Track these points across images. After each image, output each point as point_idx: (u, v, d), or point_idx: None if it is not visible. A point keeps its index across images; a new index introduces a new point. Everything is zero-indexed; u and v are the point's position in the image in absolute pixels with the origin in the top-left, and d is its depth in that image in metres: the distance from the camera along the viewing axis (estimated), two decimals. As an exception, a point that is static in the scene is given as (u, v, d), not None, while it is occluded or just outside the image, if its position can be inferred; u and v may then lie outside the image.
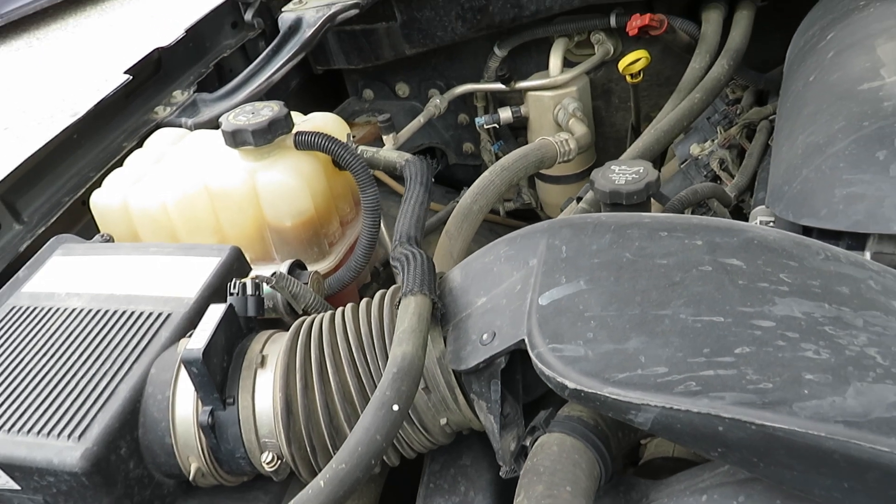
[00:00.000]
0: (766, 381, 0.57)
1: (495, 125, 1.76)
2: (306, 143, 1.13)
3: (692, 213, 1.22)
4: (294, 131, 1.15)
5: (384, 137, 1.59)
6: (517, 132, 1.90)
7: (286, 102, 2.09)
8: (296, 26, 1.64)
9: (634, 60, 1.48)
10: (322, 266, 1.21)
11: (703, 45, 1.46)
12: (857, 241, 0.83)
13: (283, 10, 1.71)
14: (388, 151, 1.18)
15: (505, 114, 1.74)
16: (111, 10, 8.35)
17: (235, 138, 1.11)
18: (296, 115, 1.29)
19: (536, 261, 0.79)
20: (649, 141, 1.30)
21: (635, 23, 1.46)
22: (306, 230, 1.17)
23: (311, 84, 2.12)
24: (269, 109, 1.14)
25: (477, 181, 1.31)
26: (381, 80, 2.03)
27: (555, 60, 1.67)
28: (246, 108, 1.15)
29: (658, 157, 1.50)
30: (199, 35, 1.70)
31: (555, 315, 0.70)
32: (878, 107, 0.85)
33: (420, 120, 1.68)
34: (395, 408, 0.67)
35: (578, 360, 0.65)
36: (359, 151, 1.19)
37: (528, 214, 1.98)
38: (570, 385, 0.63)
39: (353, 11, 1.62)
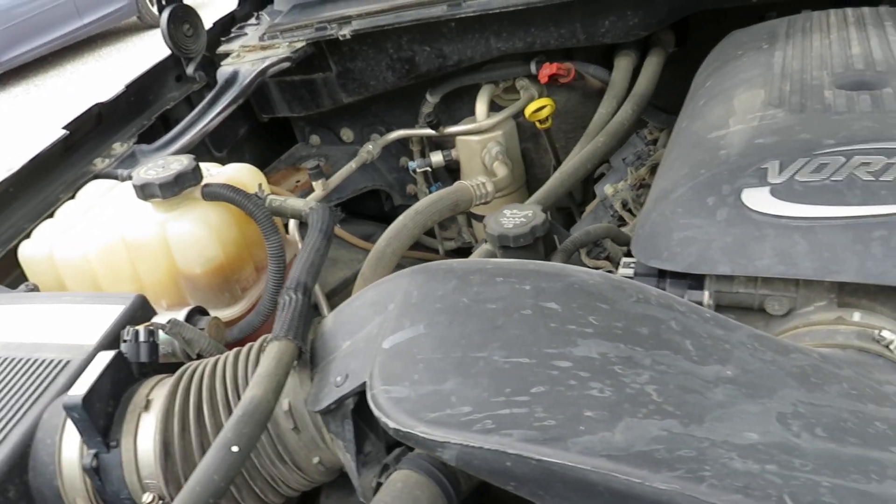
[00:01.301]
0: (551, 419, 0.61)
1: (428, 168, 1.83)
2: (212, 194, 1.19)
3: (587, 253, 1.28)
4: (202, 183, 1.21)
5: (314, 184, 1.65)
6: (454, 174, 1.97)
7: (236, 149, 2.19)
8: (232, 79, 1.72)
9: (539, 108, 1.54)
10: (234, 310, 1.27)
11: (610, 91, 1.52)
12: (697, 281, 0.88)
13: (222, 63, 1.80)
14: (295, 200, 1.24)
15: (436, 157, 1.81)
16: (108, 56, 8.55)
17: (144, 191, 1.17)
18: (214, 167, 1.36)
19: (393, 305, 0.84)
20: (553, 184, 1.36)
21: (545, 71, 1.54)
22: (216, 277, 1.22)
23: (262, 131, 2.20)
24: (179, 163, 1.20)
25: (391, 225, 1.37)
26: (326, 127, 2.10)
27: (481, 106, 1.74)
28: (158, 162, 1.22)
29: (567, 198, 1.56)
30: (142, 89, 1.78)
31: (393, 358, 0.75)
32: (716, 155, 0.91)
33: (352, 165, 1.75)
34: (235, 449, 0.72)
35: (402, 400, 0.69)
36: (268, 201, 1.25)
37: (468, 253, 2.04)
38: (391, 425, 0.68)
39: (285, 64, 1.70)
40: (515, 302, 0.75)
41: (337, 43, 1.75)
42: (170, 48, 1.77)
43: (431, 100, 1.85)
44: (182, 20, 1.76)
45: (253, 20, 1.97)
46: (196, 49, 1.80)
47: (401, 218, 1.37)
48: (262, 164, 2.20)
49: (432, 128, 1.75)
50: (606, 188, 1.54)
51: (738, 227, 0.82)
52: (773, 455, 0.56)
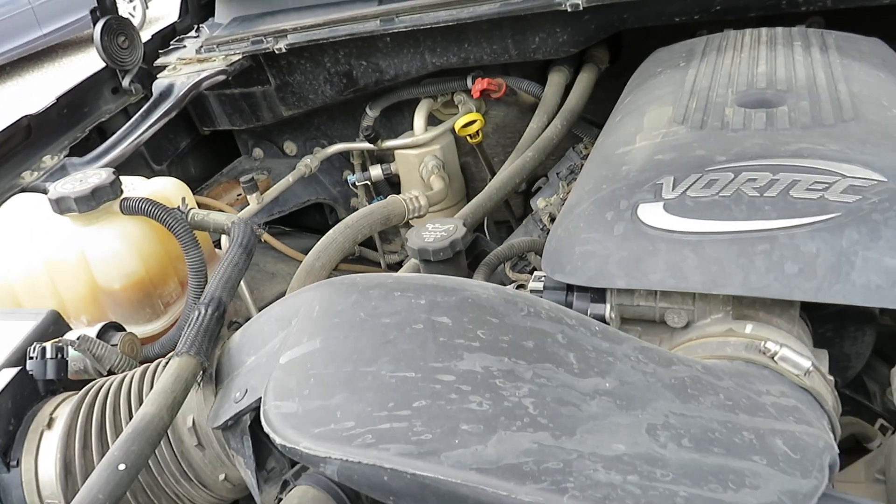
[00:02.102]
0: (428, 433, 0.62)
1: (367, 182, 1.83)
2: (131, 208, 1.18)
3: (511, 266, 1.29)
4: (122, 197, 1.20)
5: (248, 197, 1.64)
6: (396, 188, 1.97)
7: (179, 162, 2.17)
8: (167, 92, 1.70)
9: (468, 123, 1.56)
10: (157, 325, 1.25)
11: (542, 107, 1.55)
12: (599, 294, 0.90)
13: (158, 76, 1.79)
14: (218, 214, 1.23)
15: (375, 171, 1.81)
16: (68, 65, 8.41)
17: (60, 205, 1.15)
18: (140, 180, 1.35)
19: (296, 320, 0.84)
20: (481, 199, 1.37)
21: (477, 86, 1.56)
22: (137, 292, 1.21)
23: (207, 144, 2.19)
24: (98, 177, 1.19)
25: (321, 239, 1.36)
26: (268, 140, 2.10)
27: (418, 120, 1.75)
28: (76, 176, 1.20)
29: (507, 211, 1.57)
30: (75, 101, 1.76)
31: (287, 373, 0.75)
32: (618, 171, 0.92)
33: (289, 179, 1.75)
34: (122, 467, 0.71)
35: (290, 416, 0.69)
36: (190, 215, 1.24)
37: (412, 266, 2.04)
38: (278, 440, 0.68)
39: (220, 77, 1.69)
40: (409, 316, 0.75)
41: (275, 56, 1.75)
42: (104, 60, 1.75)
43: (371, 114, 1.85)
44: (117, 32, 1.75)
45: (193, 33, 1.96)
46: (131, 61, 1.79)
47: (331, 232, 1.37)
48: (207, 177, 2.20)
49: (370, 141, 1.76)
50: (539, 202, 1.56)
51: (633, 242, 0.83)
52: (637, 466, 0.57)
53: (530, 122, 1.52)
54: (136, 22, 7.66)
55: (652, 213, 0.83)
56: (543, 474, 0.56)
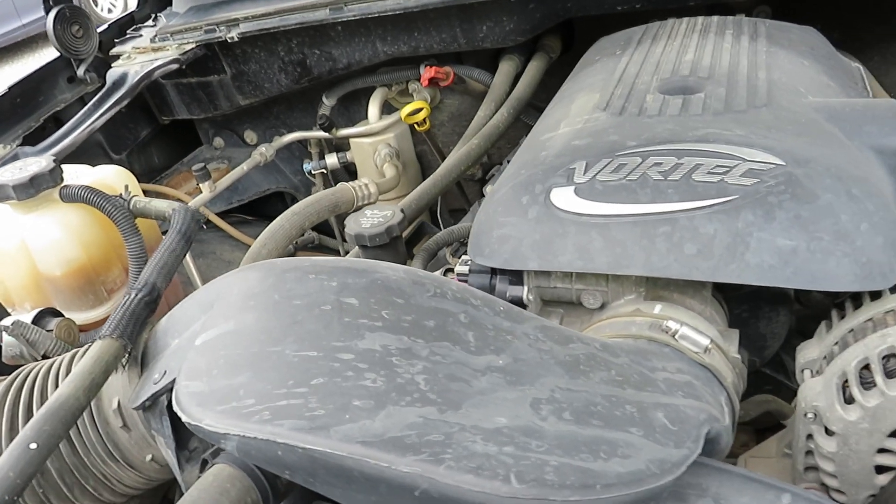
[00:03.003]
0: (321, 409, 0.64)
1: (323, 171, 1.84)
2: (70, 195, 1.18)
3: (453, 252, 1.31)
4: (62, 185, 1.20)
5: (201, 186, 1.65)
6: (354, 176, 1.98)
7: (142, 151, 2.16)
8: (120, 81, 1.71)
9: (414, 111, 1.58)
10: (100, 312, 1.26)
11: (490, 95, 1.56)
12: (517, 277, 0.92)
13: (112, 65, 1.79)
14: (160, 201, 1.24)
15: (331, 160, 1.82)
16: (48, 56, 8.35)
17: (-1, 193, 1.16)
18: (83, 168, 1.35)
19: (217, 303, 0.86)
20: (426, 185, 1.39)
21: (425, 75, 1.57)
22: (78, 279, 1.22)
23: (170, 133, 2.19)
24: (38, 165, 1.19)
25: (268, 227, 1.37)
26: (229, 129, 2.10)
27: (373, 109, 1.76)
28: (17, 164, 1.21)
29: (462, 198, 1.58)
30: (29, 90, 1.75)
31: (200, 355, 0.76)
32: (537, 156, 0.94)
33: (243, 168, 1.75)
34: (33, 446, 0.72)
35: (196, 394, 0.71)
36: (132, 202, 1.25)
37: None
38: (184, 417, 0.69)
39: (173, 66, 1.70)
40: (319, 298, 0.77)
41: (229, 46, 1.75)
42: (57, 49, 1.75)
43: (328, 102, 1.86)
44: (71, 21, 1.74)
45: (150, 21, 1.96)
46: (86, 50, 1.78)
47: (278, 219, 1.38)
48: (170, 166, 2.20)
49: (325, 130, 1.77)
50: (488, 188, 1.58)
51: (545, 225, 0.85)
52: (514, 437, 0.59)
53: (478, 111, 1.54)
54: (118, 13, 7.60)
55: (563, 197, 0.86)
56: (424, 446, 0.58)
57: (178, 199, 1.92)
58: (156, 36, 1.80)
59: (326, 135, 1.80)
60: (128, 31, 1.95)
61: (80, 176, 1.32)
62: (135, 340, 0.91)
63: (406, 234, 1.42)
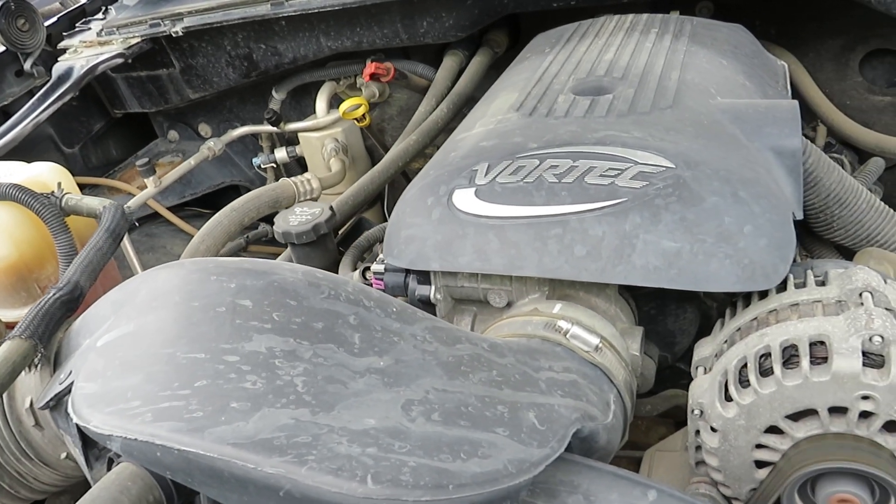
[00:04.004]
0: (200, 411, 0.65)
1: (272, 164, 1.85)
2: (-1, 194, 1.19)
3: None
4: (-11, 183, 1.21)
5: (146, 181, 1.66)
6: (306, 170, 1.99)
7: (99, 144, 2.16)
8: (66, 75, 1.70)
9: (352, 107, 1.59)
10: (33, 309, 1.27)
11: (431, 90, 1.57)
12: (425, 276, 0.93)
13: (59, 59, 1.78)
14: (91, 199, 1.24)
15: (280, 154, 1.83)
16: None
17: (-75, 192, 1.16)
18: (18, 166, 1.36)
19: (125, 304, 0.87)
20: (364, 182, 1.40)
21: (367, 70, 1.58)
22: (9, 276, 1.23)
23: (127, 127, 2.19)
24: (-35, 163, 1.20)
25: (207, 223, 1.38)
26: (183, 122, 2.10)
27: (320, 103, 1.77)
28: (-54, 163, 1.21)
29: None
30: (-27, 85, 1.76)
31: (99, 356, 0.78)
32: (447, 157, 0.96)
33: (191, 162, 1.76)
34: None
35: (90, 396, 0.72)
36: (64, 200, 1.26)
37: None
38: (75, 419, 0.71)
39: (118, 60, 1.70)
40: (216, 299, 0.78)
41: (176, 40, 1.75)
42: (2, 44, 1.74)
43: (277, 96, 1.87)
44: (16, 15, 1.73)
45: (100, 14, 1.95)
46: (33, 44, 1.78)
47: (217, 215, 1.39)
48: (126, 157, 2.20)
49: (273, 124, 1.77)
50: (431, 184, 1.59)
51: (447, 226, 0.87)
52: (379, 439, 0.61)
53: (419, 106, 1.55)
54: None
55: (465, 199, 0.87)
56: (290, 448, 0.60)
57: (130, 193, 1.93)
58: (102, 30, 1.79)
59: (276, 129, 1.81)
60: (77, 25, 1.94)
61: (14, 173, 1.32)
62: (48, 340, 0.92)
63: (344, 230, 1.42)
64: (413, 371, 0.69)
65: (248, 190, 2.16)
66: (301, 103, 1.94)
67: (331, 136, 1.74)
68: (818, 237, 1.05)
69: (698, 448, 0.81)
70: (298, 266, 0.85)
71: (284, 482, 0.59)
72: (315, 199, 1.59)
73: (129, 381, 0.72)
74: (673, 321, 0.99)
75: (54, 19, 1.94)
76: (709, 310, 1.00)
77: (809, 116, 1.50)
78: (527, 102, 1.02)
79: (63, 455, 0.93)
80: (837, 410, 0.70)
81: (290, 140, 1.97)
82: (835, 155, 1.38)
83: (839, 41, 1.52)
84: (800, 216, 0.91)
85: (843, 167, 1.33)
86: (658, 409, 1.02)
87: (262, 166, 1.85)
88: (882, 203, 0.98)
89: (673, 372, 1.10)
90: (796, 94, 1.51)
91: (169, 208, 2.02)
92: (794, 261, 0.82)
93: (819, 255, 1.06)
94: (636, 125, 0.89)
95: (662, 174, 0.81)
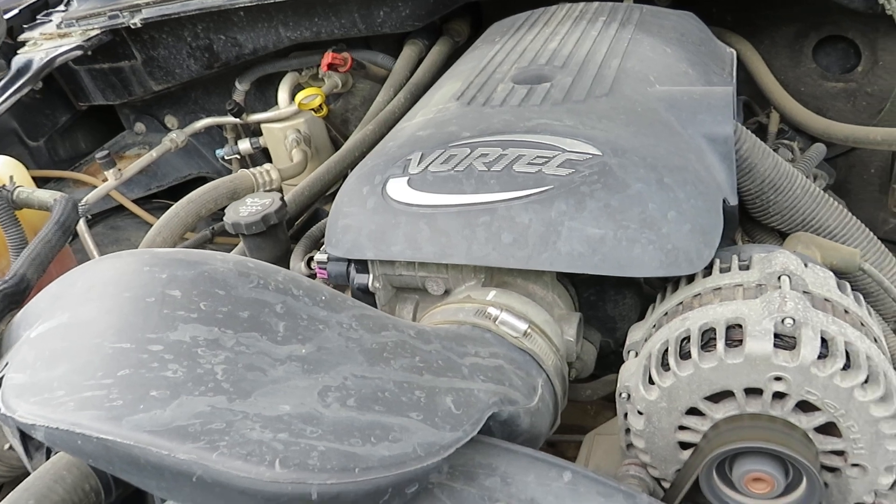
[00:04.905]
0: (120, 399, 0.66)
1: (236, 156, 1.85)
2: (-54, 187, 1.19)
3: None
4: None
5: (106, 173, 1.65)
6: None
7: (67, 136, 2.15)
8: (24, 68, 1.70)
9: (308, 97, 1.59)
10: (-15, 303, 1.27)
11: (389, 80, 1.58)
12: (363, 265, 0.94)
13: (18, 52, 1.77)
14: (42, 192, 1.25)
15: (244, 145, 1.83)
16: None
17: None
18: (-28, 160, 1.36)
19: (63, 295, 0.87)
20: (320, 172, 1.41)
21: (324, 60, 1.58)
22: (-39, 270, 1.23)
23: (96, 118, 2.18)
24: (-86, 157, 1.19)
25: (164, 215, 1.39)
26: (149, 114, 2.10)
27: (282, 94, 1.77)
28: None
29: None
30: (-65, 78, 1.74)
31: (31, 347, 0.78)
32: (385, 146, 0.96)
33: (153, 154, 1.75)
34: None
35: (18, 387, 0.72)
36: (16, 193, 1.26)
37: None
38: (2, 409, 0.71)
39: (77, 53, 1.69)
40: (147, 290, 0.79)
41: (136, 31, 1.74)
42: (-40, 37, 1.73)
43: (241, 87, 1.87)
44: (-26, 8, 1.73)
45: (62, 6, 1.94)
46: (-8, 37, 1.77)
47: (174, 207, 1.39)
48: (94, 150, 2.19)
49: (235, 115, 1.77)
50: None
51: (380, 216, 0.88)
52: (292, 424, 0.62)
53: (377, 96, 1.55)
54: None
55: (398, 188, 0.88)
56: (204, 434, 0.61)
57: (94, 186, 1.93)
58: (62, 22, 1.79)
59: (238, 120, 1.80)
60: (38, 17, 1.93)
61: (-33, 167, 1.32)
62: (-12, 332, 0.92)
63: (301, 220, 1.43)
64: (334, 358, 0.70)
65: (217, 181, 2.18)
66: (265, 94, 1.94)
67: (293, 127, 1.74)
68: (758, 222, 1.06)
69: (627, 431, 0.83)
70: (232, 256, 0.86)
71: (196, 468, 0.59)
72: (275, 190, 1.60)
73: (56, 371, 0.73)
74: (612, 307, 1.01)
75: (16, 11, 1.93)
76: (650, 295, 1.02)
77: (764, 103, 1.52)
78: (467, 92, 1.03)
79: (6, 446, 0.94)
80: (753, 392, 0.72)
81: (256, 131, 1.97)
82: (786, 141, 1.39)
83: (793, 28, 1.53)
84: (733, 202, 0.93)
85: (792, 153, 1.35)
86: (598, 394, 1.03)
87: (227, 158, 1.85)
88: (817, 188, 1.00)
89: (617, 357, 1.11)
90: (751, 80, 1.52)
91: (135, 201, 2.02)
92: (735, 244, 0.84)
93: (760, 240, 1.08)
94: (569, 113, 0.90)
95: (589, 162, 0.82)
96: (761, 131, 1.50)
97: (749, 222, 1.07)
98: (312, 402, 0.64)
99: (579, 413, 1.23)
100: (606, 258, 0.78)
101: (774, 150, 1.40)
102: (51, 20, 1.87)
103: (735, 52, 1.30)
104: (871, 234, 0.98)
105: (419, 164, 0.88)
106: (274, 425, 0.62)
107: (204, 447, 0.60)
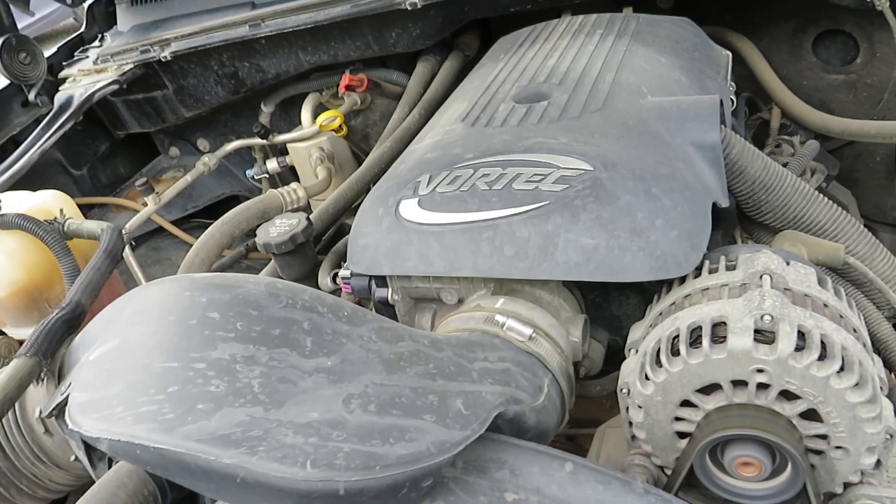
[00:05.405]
0: (171, 413, 0.75)
1: (265, 175, 1.95)
2: (6, 223, 1.31)
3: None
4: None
5: (146, 199, 1.77)
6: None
7: (108, 163, 2.27)
8: (66, 104, 1.82)
9: (328, 119, 1.68)
10: (45, 327, 1.39)
11: (404, 98, 1.66)
12: (382, 280, 1.02)
13: (59, 89, 1.90)
14: (90, 223, 1.36)
15: (272, 165, 1.93)
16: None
17: (-64, 225, 1.29)
18: (24, 195, 1.48)
19: (114, 320, 0.97)
20: (342, 190, 1.49)
21: (343, 83, 1.67)
22: (22, 298, 1.35)
23: (133, 145, 2.31)
24: (-25, 197, 1.32)
25: (201, 237, 1.49)
26: (183, 139, 2.21)
27: (305, 114, 1.86)
28: (-43, 198, 1.33)
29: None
30: (-17, 117, 1.88)
31: (90, 368, 0.88)
32: (397, 169, 1.04)
33: (188, 178, 1.86)
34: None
35: (82, 404, 0.83)
36: (66, 225, 1.37)
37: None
38: (70, 425, 0.81)
39: (114, 87, 1.81)
40: (189, 313, 0.88)
41: (167, 63, 1.85)
42: (6, 77, 1.86)
43: (266, 109, 1.97)
44: (18, 49, 1.85)
45: (97, 42, 2.07)
46: (35, 76, 1.89)
47: (209, 230, 1.50)
48: (134, 174, 2.32)
49: (261, 137, 1.87)
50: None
51: (394, 234, 0.96)
52: (321, 430, 0.70)
53: (393, 114, 1.64)
54: None
55: (409, 209, 0.96)
56: (245, 441, 0.70)
57: (135, 210, 2.05)
58: (98, 58, 1.91)
59: (265, 142, 1.91)
60: (75, 54, 2.05)
61: (21, 202, 1.44)
62: (51, 356, 1.03)
63: (327, 236, 1.52)
64: (356, 368, 0.79)
65: (249, 199, 2.29)
66: (290, 114, 2.04)
67: (316, 146, 1.83)
68: (756, 221, 1.12)
69: (630, 423, 0.90)
70: (263, 278, 0.95)
71: (239, 470, 0.68)
72: (302, 207, 1.69)
73: (114, 389, 0.83)
74: (617, 307, 1.07)
75: (54, 49, 2.06)
76: (653, 295, 1.08)
77: (767, 99, 1.56)
78: (472, 113, 1.10)
79: (72, 458, 1.04)
80: (738, 384, 0.78)
81: (282, 150, 2.07)
82: (786, 137, 1.44)
83: (791, 24, 1.57)
84: (724, 204, 0.99)
85: (793, 148, 1.39)
86: (607, 389, 1.10)
87: (256, 177, 1.95)
88: (808, 186, 1.05)
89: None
90: (752, 77, 1.57)
91: (173, 222, 2.14)
92: (735, 242, 0.89)
93: (757, 238, 1.13)
94: (564, 131, 0.97)
95: (581, 177, 0.89)
96: (764, 127, 1.54)
97: (747, 221, 1.13)
98: (338, 409, 0.73)
99: (596, 408, 1.29)
100: (600, 266, 0.85)
101: (777, 146, 1.45)
102: (87, 56, 2.00)
103: (730, 55, 1.35)
104: (862, 227, 1.03)
105: (428, 185, 0.96)
106: (305, 431, 0.70)
107: (245, 452, 0.69)
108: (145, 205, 2.05)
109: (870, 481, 0.81)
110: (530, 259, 0.87)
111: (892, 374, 1.03)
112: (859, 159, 1.60)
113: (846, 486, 0.81)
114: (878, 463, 0.79)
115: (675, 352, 0.81)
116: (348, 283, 1.09)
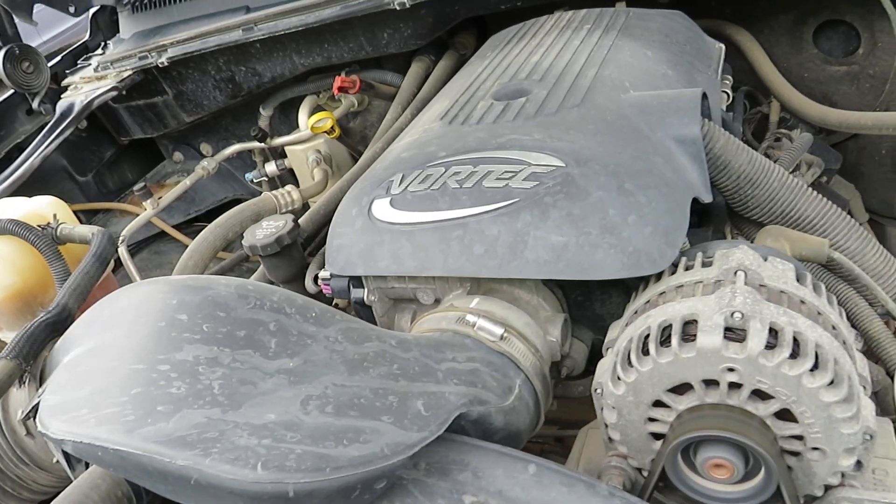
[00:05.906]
0: (132, 415, 0.75)
1: (264, 178, 1.96)
2: (-1, 229, 1.32)
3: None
4: (-11, 220, 1.34)
5: (144, 203, 1.78)
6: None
7: (114, 168, 2.30)
8: (67, 111, 1.84)
9: (319, 121, 1.67)
10: (39, 330, 1.40)
11: (398, 98, 1.65)
12: (359, 280, 1.01)
13: (61, 96, 1.93)
14: (82, 227, 1.37)
15: (270, 168, 1.93)
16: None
17: (-65, 232, 1.30)
18: (20, 200, 1.49)
19: (91, 323, 0.98)
20: (335, 191, 1.49)
21: (336, 84, 1.66)
22: (15, 302, 1.36)
23: (136, 150, 2.33)
24: (-31, 203, 1.33)
25: (195, 240, 1.50)
26: (186, 143, 2.23)
27: (302, 117, 1.86)
28: (-46, 204, 1.35)
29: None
30: (-13, 125, 1.91)
31: (64, 370, 0.88)
32: (374, 169, 1.04)
33: (186, 183, 1.87)
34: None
35: (51, 407, 0.83)
36: (59, 230, 1.38)
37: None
38: (39, 427, 0.81)
39: (112, 94, 1.83)
40: (159, 315, 0.88)
41: (165, 69, 1.87)
42: (10, 86, 1.89)
43: (265, 113, 1.98)
44: (20, 59, 1.88)
45: (100, 50, 2.09)
46: (38, 84, 1.92)
47: (203, 232, 1.50)
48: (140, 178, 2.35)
49: (259, 140, 1.88)
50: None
51: (367, 235, 0.95)
52: (275, 431, 0.69)
53: (387, 114, 1.63)
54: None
55: (382, 208, 0.95)
56: (199, 443, 0.69)
57: (137, 215, 2.07)
58: (98, 65, 1.93)
59: (261, 145, 1.91)
60: (78, 62, 2.08)
61: (17, 208, 1.46)
62: (33, 359, 1.04)
63: (319, 238, 1.51)
64: (318, 370, 0.78)
65: (250, 202, 2.30)
66: (289, 117, 2.04)
67: (313, 148, 1.83)
68: (744, 216, 1.09)
69: (606, 425, 0.88)
70: (234, 280, 0.94)
71: (193, 472, 0.68)
72: (297, 210, 1.69)
73: (82, 392, 0.83)
74: (600, 306, 1.05)
75: (58, 59, 2.09)
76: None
77: (766, 92, 1.52)
78: (451, 111, 1.09)
79: (54, 460, 1.05)
80: (710, 383, 0.76)
81: (282, 153, 2.07)
82: (783, 131, 1.40)
83: (790, 15, 1.53)
84: (707, 199, 0.96)
85: (792, 142, 1.36)
86: (589, 390, 1.08)
87: (256, 180, 1.96)
88: (795, 180, 1.02)
89: (611, 353, 1.16)
90: (752, 70, 1.53)
91: (176, 226, 2.15)
92: (724, 237, 0.86)
93: (746, 233, 1.10)
94: (539, 127, 0.95)
95: (552, 173, 0.87)
96: (764, 121, 1.51)
97: (735, 216, 1.10)
98: (295, 411, 0.72)
99: (585, 408, 1.27)
100: (570, 263, 0.84)
101: (776, 140, 1.42)
102: (90, 64, 2.02)
103: (723, 47, 1.32)
104: (853, 221, 1.00)
105: (400, 184, 0.95)
106: (259, 432, 0.69)
107: (199, 454, 0.68)
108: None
109: (851, 483, 0.78)
110: (500, 258, 0.86)
111: (885, 372, 1.00)
112: (864, 152, 1.55)
113: (826, 488, 0.78)
114: (859, 464, 0.76)
115: (645, 351, 0.79)
116: (328, 285, 1.08)
